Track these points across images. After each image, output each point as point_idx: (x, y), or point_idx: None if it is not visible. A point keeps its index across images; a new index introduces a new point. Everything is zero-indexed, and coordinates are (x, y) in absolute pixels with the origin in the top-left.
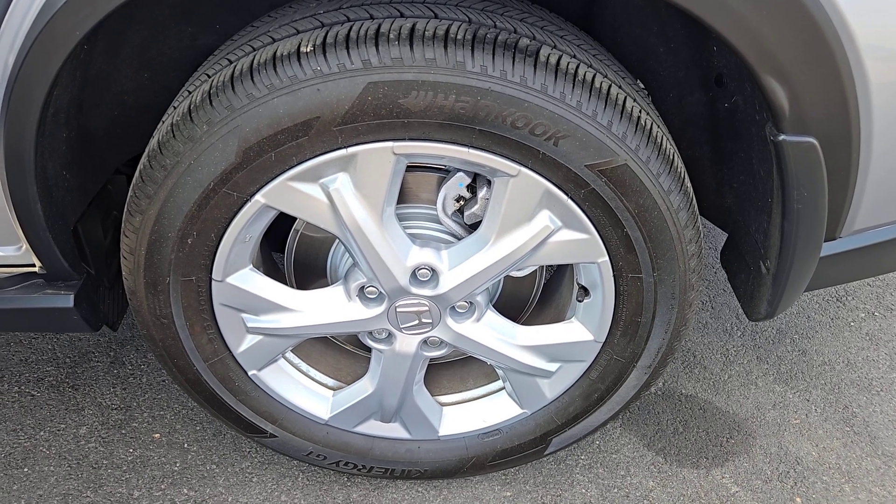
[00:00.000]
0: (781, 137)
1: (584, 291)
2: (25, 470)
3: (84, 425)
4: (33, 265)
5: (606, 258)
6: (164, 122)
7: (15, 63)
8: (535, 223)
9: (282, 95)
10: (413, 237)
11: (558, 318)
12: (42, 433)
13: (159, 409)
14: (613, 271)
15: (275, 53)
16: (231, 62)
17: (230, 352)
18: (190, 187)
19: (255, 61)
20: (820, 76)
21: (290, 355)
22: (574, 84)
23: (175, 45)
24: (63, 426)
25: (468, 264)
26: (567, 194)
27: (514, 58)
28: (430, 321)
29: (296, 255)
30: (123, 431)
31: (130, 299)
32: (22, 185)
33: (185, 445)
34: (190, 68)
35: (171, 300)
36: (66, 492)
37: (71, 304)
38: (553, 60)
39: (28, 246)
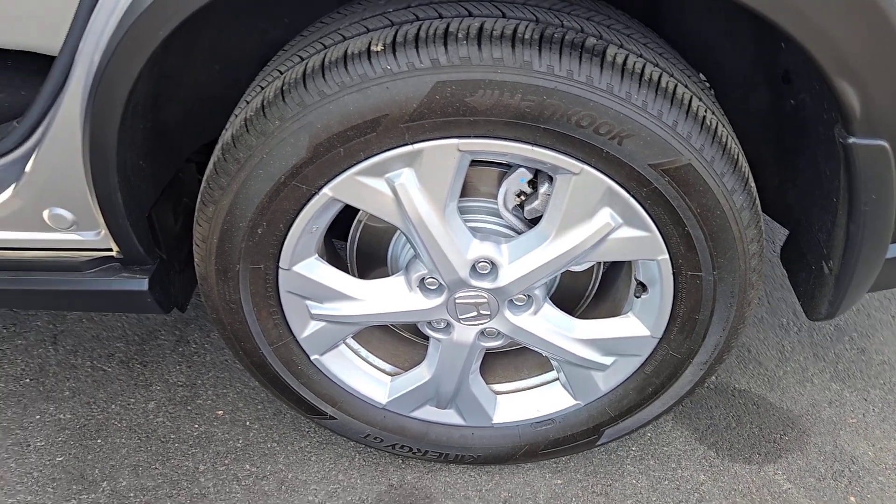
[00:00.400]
0: (851, 140)
1: (642, 287)
2: (99, 441)
3: (152, 400)
4: (110, 250)
5: (666, 256)
6: (236, 116)
7: (100, 62)
8: (595, 220)
9: (352, 93)
10: (474, 230)
11: (614, 311)
12: (113, 406)
13: (222, 387)
14: (673, 269)
15: (346, 52)
16: (303, 59)
17: (294, 337)
18: (261, 180)
19: (327, 59)
20: (893, 78)
21: (350, 341)
22: (640, 84)
23: (246, 39)
24: (133, 400)
25: (528, 259)
26: (629, 192)
27: (580, 57)
28: (488, 313)
29: (358, 244)
30: (189, 408)
31: (201, 285)
32: (104, 176)
33: (248, 423)
34: (259, 61)
35: (240, 287)
36: (136, 463)
37: (145, 287)
38: (619, 60)
39: (107, 232)
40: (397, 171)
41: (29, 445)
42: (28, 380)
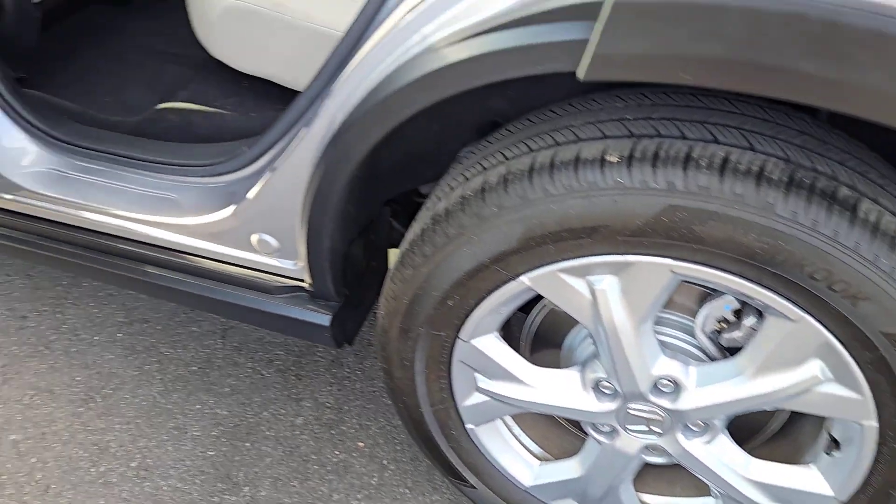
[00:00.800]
0: None
1: (835, 444)
2: (247, 445)
3: (301, 416)
4: (303, 281)
5: (875, 423)
6: (452, 189)
7: (344, 123)
8: (802, 370)
9: (577, 198)
10: (662, 344)
11: (794, 455)
12: (265, 413)
13: (367, 419)
14: (878, 437)
15: (577, 155)
16: (531, 150)
17: (455, 403)
18: (465, 258)
19: (557, 158)
20: None
21: (506, 417)
22: (892, 248)
23: (468, 105)
24: (283, 412)
25: (716, 389)
26: (850, 352)
27: (829, 208)
28: (660, 431)
29: (538, 327)
30: (333, 432)
31: (380, 335)
32: (320, 220)
33: (384, 462)
34: (473, 125)
35: (417, 347)
36: (276, 475)
37: (327, 323)
38: (872, 218)
39: (305, 265)
40: (600, 276)
41: (186, 433)
42: (195, 368)
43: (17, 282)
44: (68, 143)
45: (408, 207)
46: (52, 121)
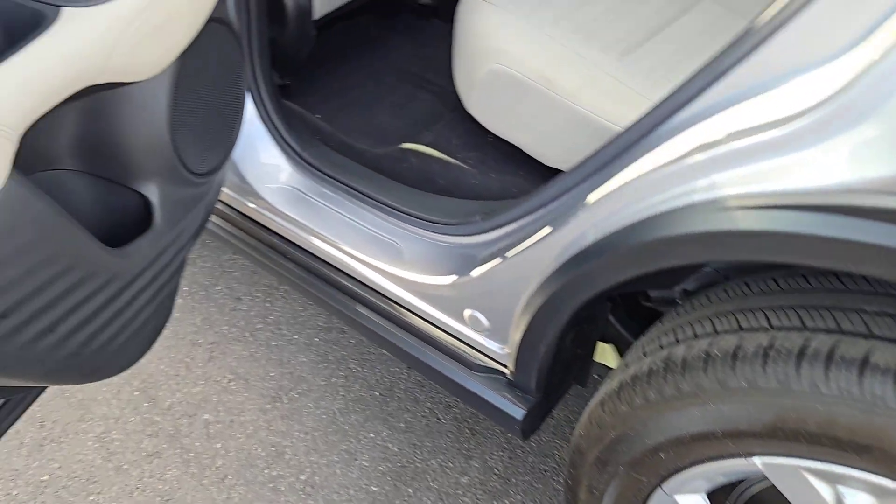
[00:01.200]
0: None
1: None
2: (409, 491)
3: (467, 475)
4: (505, 366)
5: None
6: (696, 337)
7: (596, 244)
8: None
9: (853, 408)
10: None
11: None
12: (433, 462)
13: (532, 498)
14: None
15: (866, 356)
16: (805, 328)
17: None
18: (693, 421)
19: (838, 352)
20: None
21: None
22: None
23: None
24: (451, 465)
25: None
26: None
27: None
28: None
29: (752, 497)
30: (495, 503)
31: (573, 455)
32: (543, 325)
33: None
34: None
35: (611, 483)
36: None
37: (520, 416)
38: None
39: (513, 354)
40: (854, 491)
41: (356, 459)
42: (377, 393)
43: (240, 262)
44: (316, 168)
45: (626, 301)
46: (304, 142)
